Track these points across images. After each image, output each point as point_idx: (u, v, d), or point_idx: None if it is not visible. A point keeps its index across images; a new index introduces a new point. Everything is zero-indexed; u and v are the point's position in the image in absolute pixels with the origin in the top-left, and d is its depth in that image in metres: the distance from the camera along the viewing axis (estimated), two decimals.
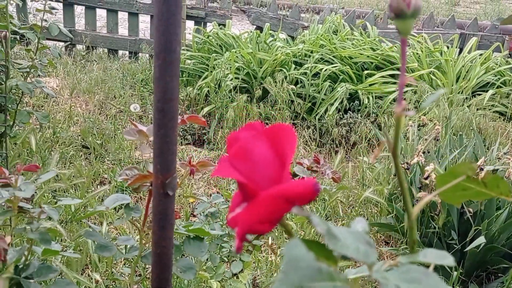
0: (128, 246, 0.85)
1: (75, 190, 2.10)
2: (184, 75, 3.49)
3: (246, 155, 0.30)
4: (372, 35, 3.77)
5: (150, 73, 3.74)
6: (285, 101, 3.04)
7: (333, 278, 0.27)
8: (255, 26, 4.24)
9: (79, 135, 2.75)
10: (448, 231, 1.79)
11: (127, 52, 4.36)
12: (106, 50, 4.33)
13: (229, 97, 3.04)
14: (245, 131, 0.30)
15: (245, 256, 1.16)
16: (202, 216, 1.21)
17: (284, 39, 3.83)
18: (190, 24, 4.31)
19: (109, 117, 3.09)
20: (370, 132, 2.79)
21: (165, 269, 0.69)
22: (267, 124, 3.07)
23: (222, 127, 2.97)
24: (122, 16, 4.59)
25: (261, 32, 3.75)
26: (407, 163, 1.81)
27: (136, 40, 4.27)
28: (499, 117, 3.10)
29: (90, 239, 0.86)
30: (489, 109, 3.14)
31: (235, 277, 1.17)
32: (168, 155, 0.62)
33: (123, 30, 4.63)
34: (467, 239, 1.69)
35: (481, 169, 1.75)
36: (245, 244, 1.23)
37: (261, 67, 3.32)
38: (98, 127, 2.88)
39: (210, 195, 1.72)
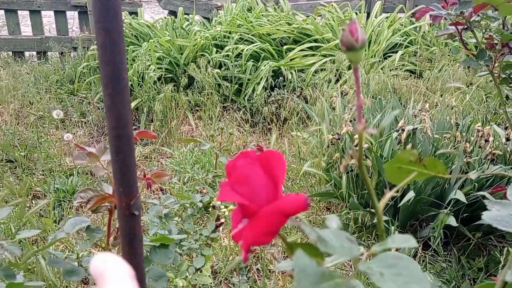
0: None
1: (12, 211, 2.00)
2: None
3: (245, 180, 0.34)
4: (286, 9, 3.85)
5: (64, 72, 3.57)
6: (212, 85, 3.06)
7: (333, 277, 0.33)
8: (167, 11, 4.16)
9: (0, 149, 2.59)
10: (381, 190, 1.94)
11: (34, 53, 4.10)
12: (10, 53, 4.04)
13: (155, 89, 3.00)
14: (241, 159, 0.35)
15: (205, 250, 1.20)
16: (157, 219, 1.23)
17: (200, 22, 3.80)
18: None
19: (29, 126, 2.92)
20: (298, 106, 2.90)
21: (141, 284, 0.72)
22: (197, 111, 3.08)
23: (152, 121, 2.93)
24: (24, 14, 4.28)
25: (175, 17, 3.69)
26: (337, 133, 1.93)
27: (43, 39, 4.02)
28: (410, 75, 3.35)
29: (56, 266, 0.85)
30: (401, 69, 3.38)
31: (198, 272, 1.21)
32: (129, 177, 0.64)
33: (25, 28, 4.33)
34: (398, 195, 1.85)
35: (402, 130, 1.91)
36: (203, 239, 1.27)
37: (182, 54, 3.29)
38: (19, 138, 2.73)
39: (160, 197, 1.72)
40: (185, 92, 3.12)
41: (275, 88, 3.05)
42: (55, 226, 1.88)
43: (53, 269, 1.54)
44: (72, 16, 4.28)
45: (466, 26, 1.31)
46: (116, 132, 0.62)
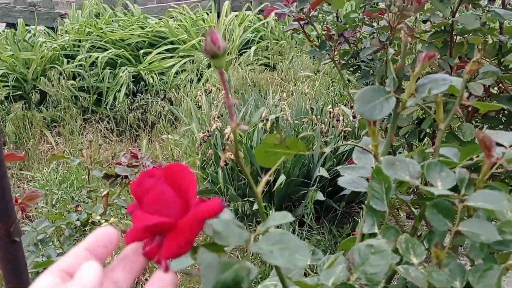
0: None
1: None
2: None
3: (157, 199, 0.35)
4: (136, 13, 3.79)
5: None
6: (68, 98, 2.88)
7: (232, 264, 0.38)
8: (4, 24, 3.79)
9: None
10: (255, 179, 2.06)
11: None
12: None
13: (3, 109, 2.72)
14: (147, 179, 0.35)
15: None
16: (32, 247, 1.15)
17: (44, 33, 3.54)
18: None
19: None
20: (164, 109, 2.89)
21: None
22: (55, 127, 2.88)
23: (5, 144, 2.66)
24: None
25: (15, 30, 3.37)
26: (207, 130, 1.99)
27: None
28: (265, 69, 3.56)
29: None
30: (256, 63, 3.57)
31: None
32: (6, 204, 0.61)
33: None
34: (271, 179, 1.99)
35: (267, 120, 2.05)
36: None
37: (28, 68, 3.03)
38: None
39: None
40: (39, 109, 2.89)
41: (138, 94, 3.00)
42: None
43: None
44: None
45: (307, 21, 1.46)
46: None
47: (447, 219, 0.42)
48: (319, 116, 2.24)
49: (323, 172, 1.87)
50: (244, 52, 3.67)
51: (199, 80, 3.12)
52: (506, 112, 1.31)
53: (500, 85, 1.27)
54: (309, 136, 2.16)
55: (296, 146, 0.60)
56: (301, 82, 2.98)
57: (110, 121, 2.93)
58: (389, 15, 1.26)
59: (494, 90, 1.30)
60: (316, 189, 1.89)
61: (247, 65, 3.42)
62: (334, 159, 2.01)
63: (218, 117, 2.07)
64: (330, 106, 2.32)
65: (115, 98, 2.98)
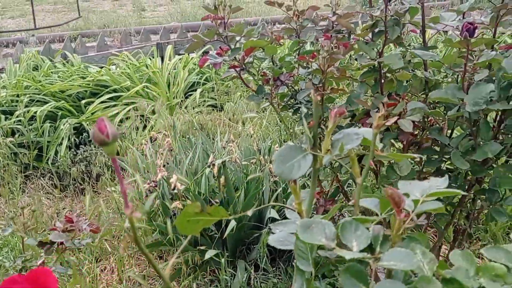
0: None
1: None
2: None
3: None
4: (76, 63, 3.72)
5: None
6: (7, 156, 2.75)
7: None
8: None
9: None
10: (207, 227, 2.01)
11: None
12: None
13: None
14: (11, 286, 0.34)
15: None
16: None
17: None
18: None
19: None
20: (109, 160, 2.81)
21: None
22: None
23: None
24: None
25: None
26: (153, 181, 1.94)
27: None
28: (213, 110, 3.57)
29: None
30: (203, 105, 3.58)
31: None
32: None
33: None
34: (223, 226, 1.95)
35: (213, 165, 2.03)
36: None
37: None
38: None
39: None
40: None
41: (81, 146, 2.91)
42: None
43: None
44: None
45: (243, 67, 1.48)
46: None
47: (360, 282, 0.41)
48: (266, 156, 2.25)
49: (273, 213, 1.86)
50: (190, 95, 3.67)
51: (145, 127, 3.08)
52: (439, 142, 1.36)
53: (430, 118, 1.33)
54: (258, 177, 2.16)
55: (218, 213, 0.58)
56: (249, 122, 3.00)
57: (52, 176, 2.81)
58: (319, 58, 1.30)
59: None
60: (268, 231, 1.87)
61: (193, 108, 3.41)
62: (284, 199, 2.01)
63: (164, 166, 2.03)
64: (277, 144, 2.34)
65: (57, 152, 2.87)
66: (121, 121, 3.12)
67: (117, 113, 3.15)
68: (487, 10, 1.29)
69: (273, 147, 2.37)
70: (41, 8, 12.28)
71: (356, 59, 1.58)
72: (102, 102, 3.27)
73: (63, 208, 2.52)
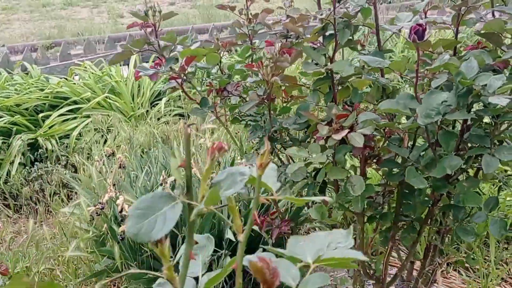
0: None
1: None
2: None
3: None
4: (35, 74, 3.54)
5: None
6: None
7: None
8: None
9: None
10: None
11: None
12: None
13: None
14: None
15: None
16: None
17: None
18: None
19: None
20: (66, 175, 2.64)
21: None
22: None
23: None
24: None
25: None
26: (99, 202, 1.78)
27: None
28: (179, 119, 3.41)
29: None
30: (170, 115, 3.42)
31: None
32: None
33: None
34: (177, 250, 1.80)
35: (166, 182, 1.88)
36: None
37: None
38: None
39: None
40: None
41: (36, 163, 2.73)
42: None
43: None
44: None
45: (185, 78, 1.34)
46: None
47: None
48: None
49: (230, 235, 1.71)
50: (157, 104, 3.52)
51: (106, 141, 2.91)
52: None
53: (387, 129, 1.20)
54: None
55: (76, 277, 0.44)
56: (212, 133, 2.85)
57: (5, 197, 2.63)
58: (263, 68, 1.17)
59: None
60: (226, 253, 1.73)
61: (158, 119, 3.26)
62: (242, 218, 1.87)
63: (114, 185, 1.87)
64: (239, 157, 2.20)
65: (9, 171, 2.69)
66: (80, 134, 2.95)
67: (76, 126, 2.98)
68: (445, 8, 1.18)
69: (236, 161, 2.23)
70: (17, 17, 12.02)
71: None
72: (60, 115, 3.09)
73: (20, 228, 2.34)
